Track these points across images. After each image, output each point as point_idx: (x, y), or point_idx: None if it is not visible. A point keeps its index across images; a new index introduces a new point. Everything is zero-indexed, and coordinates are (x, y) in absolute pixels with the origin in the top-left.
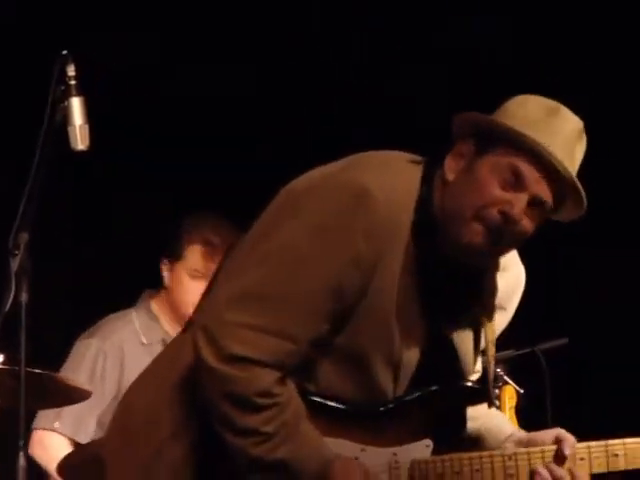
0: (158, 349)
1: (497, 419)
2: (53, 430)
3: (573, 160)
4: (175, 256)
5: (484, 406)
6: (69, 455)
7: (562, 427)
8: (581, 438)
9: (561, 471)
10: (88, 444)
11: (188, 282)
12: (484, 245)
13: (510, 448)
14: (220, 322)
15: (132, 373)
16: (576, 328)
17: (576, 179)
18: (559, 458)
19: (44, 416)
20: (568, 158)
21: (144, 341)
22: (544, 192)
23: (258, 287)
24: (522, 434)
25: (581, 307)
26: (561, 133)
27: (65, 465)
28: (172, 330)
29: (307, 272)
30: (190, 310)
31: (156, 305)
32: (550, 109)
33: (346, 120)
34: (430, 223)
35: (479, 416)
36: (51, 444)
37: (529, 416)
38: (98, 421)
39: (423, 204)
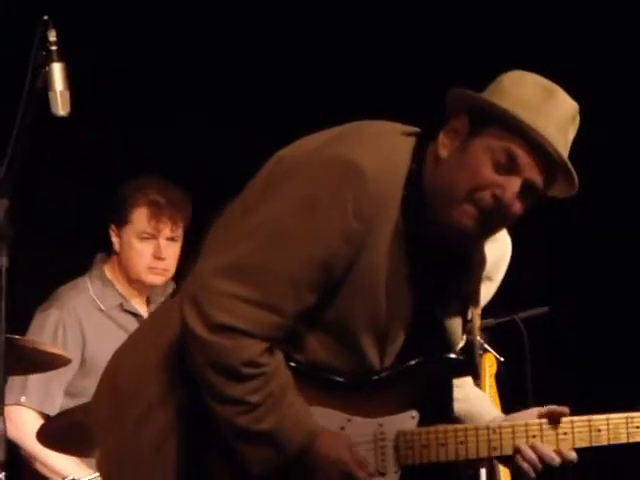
0: (116, 314)
1: (479, 403)
2: (20, 404)
3: (566, 143)
4: (122, 221)
5: (466, 390)
6: (51, 421)
7: (541, 394)
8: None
9: (545, 448)
10: (71, 410)
11: (138, 245)
12: (473, 227)
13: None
14: (208, 292)
15: (93, 339)
16: (556, 297)
17: (569, 163)
18: (552, 422)
19: (9, 391)
20: (562, 141)
21: (101, 307)
22: (537, 176)
23: (247, 259)
24: (503, 417)
25: (561, 276)
26: (556, 116)
27: (46, 431)
28: (127, 294)
29: (296, 246)
30: (142, 273)
31: (109, 270)
32: (546, 90)
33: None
34: (420, 198)
35: (464, 399)
36: (19, 418)
37: (509, 384)
38: (66, 391)
39: (413, 179)
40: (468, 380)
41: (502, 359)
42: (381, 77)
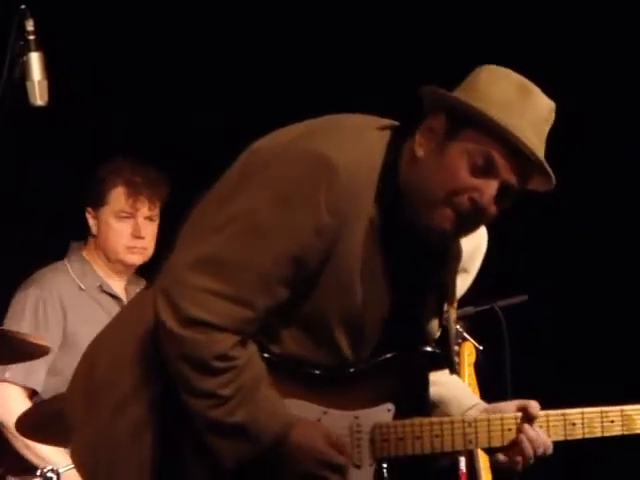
0: (96, 295)
1: (460, 389)
2: (4, 380)
3: (542, 142)
4: (99, 203)
5: (446, 373)
6: (29, 411)
7: (520, 383)
8: (538, 395)
9: (533, 431)
10: (49, 400)
11: (116, 224)
12: (451, 229)
13: (471, 415)
14: (181, 285)
15: (75, 318)
16: (535, 285)
17: (546, 164)
18: (527, 420)
19: None
20: (539, 142)
21: (82, 286)
22: (513, 178)
23: (219, 253)
24: (484, 405)
25: (540, 264)
26: (533, 117)
27: (25, 421)
28: (106, 276)
29: (268, 240)
30: (121, 252)
31: (86, 254)
32: (522, 89)
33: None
34: (396, 193)
35: (441, 382)
36: (3, 394)
37: (488, 372)
38: (48, 369)
39: (388, 174)
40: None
41: (481, 347)
42: (361, 69)
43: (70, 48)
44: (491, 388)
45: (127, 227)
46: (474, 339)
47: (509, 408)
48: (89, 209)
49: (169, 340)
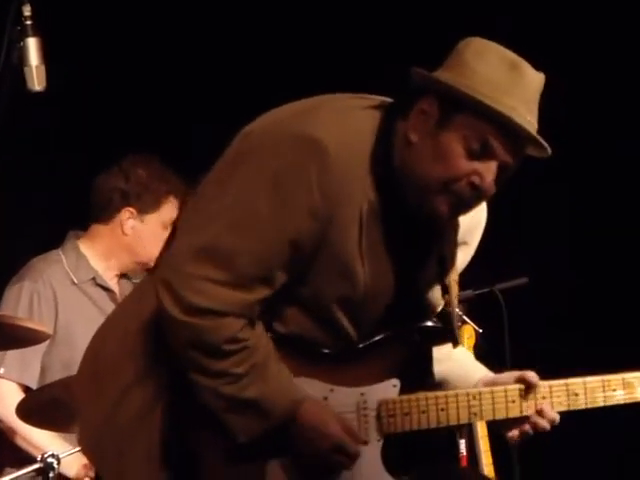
0: (89, 288)
1: (464, 364)
2: None
3: (535, 116)
4: (149, 209)
5: (449, 349)
6: (30, 396)
7: (520, 366)
8: (539, 377)
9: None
10: (50, 384)
11: (162, 233)
12: (449, 213)
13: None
14: (181, 275)
15: (66, 312)
16: (535, 268)
17: (541, 139)
18: (528, 390)
19: None
20: (532, 117)
21: (74, 280)
22: (510, 157)
23: (216, 241)
24: (491, 376)
25: (540, 247)
26: (524, 93)
27: (25, 406)
28: (99, 268)
29: (264, 226)
30: (154, 258)
31: (83, 245)
32: (511, 65)
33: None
34: (390, 174)
35: (446, 359)
36: None
37: (487, 355)
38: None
39: (382, 154)
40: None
41: (481, 330)
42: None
43: (68, 33)
44: (491, 371)
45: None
46: (474, 322)
47: (507, 380)
48: (131, 209)
49: (176, 328)
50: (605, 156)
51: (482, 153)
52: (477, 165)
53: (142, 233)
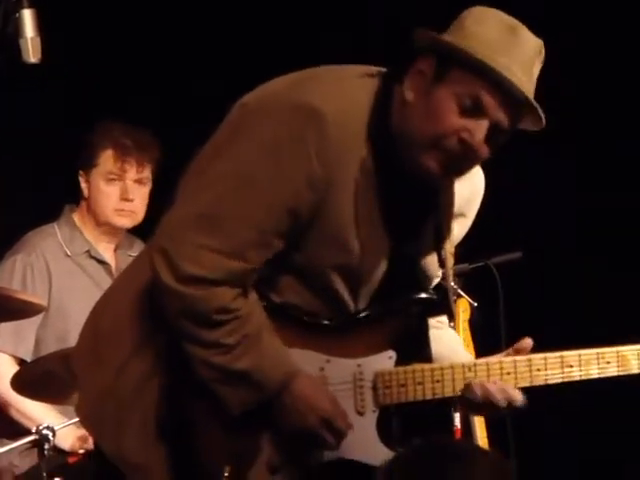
0: (83, 260)
1: (453, 346)
2: None
3: (532, 80)
4: (89, 165)
5: (440, 331)
6: (24, 368)
7: (514, 339)
8: (532, 351)
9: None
10: (45, 357)
11: (105, 187)
12: (441, 171)
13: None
14: (177, 243)
15: (59, 284)
16: (530, 242)
17: (534, 102)
18: (519, 352)
19: None
20: (527, 79)
21: (68, 252)
22: (503, 118)
23: (212, 208)
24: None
25: (535, 221)
26: (520, 54)
27: (20, 378)
28: (95, 241)
29: (261, 193)
30: (110, 215)
31: (78, 217)
32: (509, 28)
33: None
34: (387, 139)
35: (437, 340)
36: None
37: (482, 329)
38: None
39: (379, 119)
40: (444, 322)
41: (476, 304)
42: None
43: (63, 5)
44: (485, 344)
45: (115, 190)
46: (469, 296)
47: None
48: (81, 172)
49: (168, 297)
50: (603, 138)
51: (473, 109)
52: (468, 122)
53: (90, 192)
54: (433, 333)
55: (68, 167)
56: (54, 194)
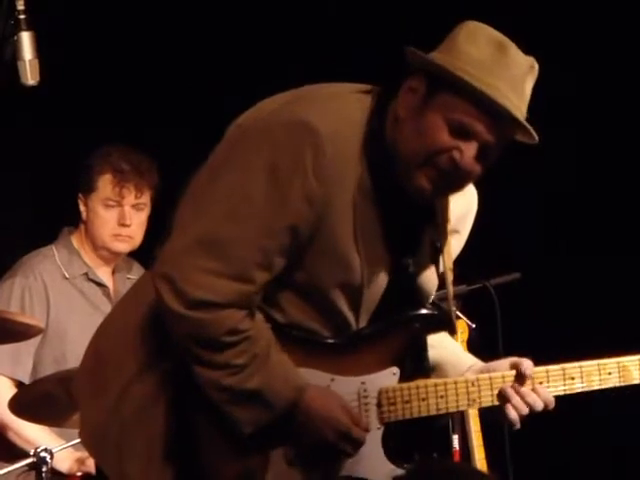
0: (81, 283)
1: (455, 351)
2: None
3: (523, 98)
4: (88, 189)
5: (440, 336)
6: (22, 390)
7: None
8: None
9: (524, 389)
10: (43, 379)
11: (103, 212)
12: (433, 189)
13: (472, 375)
14: (180, 268)
15: (57, 307)
16: (528, 263)
17: (524, 122)
18: (519, 379)
19: None
20: (518, 98)
21: (66, 275)
22: (492, 139)
23: (214, 232)
24: (481, 364)
25: (533, 242)
26: (509, 74)
27: (18, 400)
28: (93, 263)
29: (261, 214)
30: (107, 240)
31: (76, 240)
32: (498, 46)
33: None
34: (382, 156)
35: (438, 345)
36: None
37: (480, 350)
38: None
39: (374, 135)
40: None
41: (474, 325)
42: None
43: (61, 27)
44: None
45: (113, 215)
46: (467, 317)
47: (503, 365)
48: (80, 195)
49: (176, 323)
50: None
51: (464, 132)
52: (458, 142)
53: (89, 216)
54: (433, 338)
55: (67, 189)
56: (52, 216)
